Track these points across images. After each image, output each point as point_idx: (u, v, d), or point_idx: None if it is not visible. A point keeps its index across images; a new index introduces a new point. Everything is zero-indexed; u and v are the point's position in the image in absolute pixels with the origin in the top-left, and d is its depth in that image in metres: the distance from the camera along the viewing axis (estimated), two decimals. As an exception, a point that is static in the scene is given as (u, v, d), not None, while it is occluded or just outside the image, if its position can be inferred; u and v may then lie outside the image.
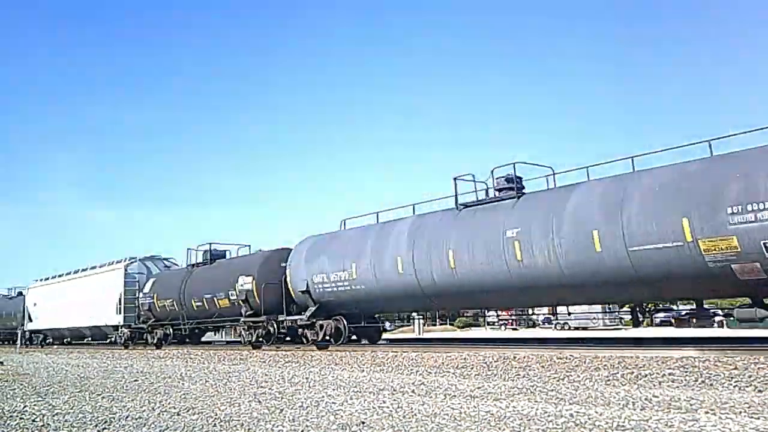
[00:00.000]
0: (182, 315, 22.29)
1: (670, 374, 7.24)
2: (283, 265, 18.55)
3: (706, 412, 4.82)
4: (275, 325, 18.28)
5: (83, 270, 30.30)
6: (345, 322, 16.56)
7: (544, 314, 30.32)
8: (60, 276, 32.82)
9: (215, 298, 20.34)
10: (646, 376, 7.24)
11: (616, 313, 33.49)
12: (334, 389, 7.29)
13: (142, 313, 24.89)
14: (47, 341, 34.66)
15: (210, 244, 22.79)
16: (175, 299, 22.59)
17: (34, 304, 34.53)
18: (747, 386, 6.19)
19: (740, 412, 4.78)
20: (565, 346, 13.31)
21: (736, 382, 6.48)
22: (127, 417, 5.66)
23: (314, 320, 17.18)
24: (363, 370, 9.71)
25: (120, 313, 25.57)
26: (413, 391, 6.81)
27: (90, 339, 31.47)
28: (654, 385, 6.57)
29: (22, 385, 9.38)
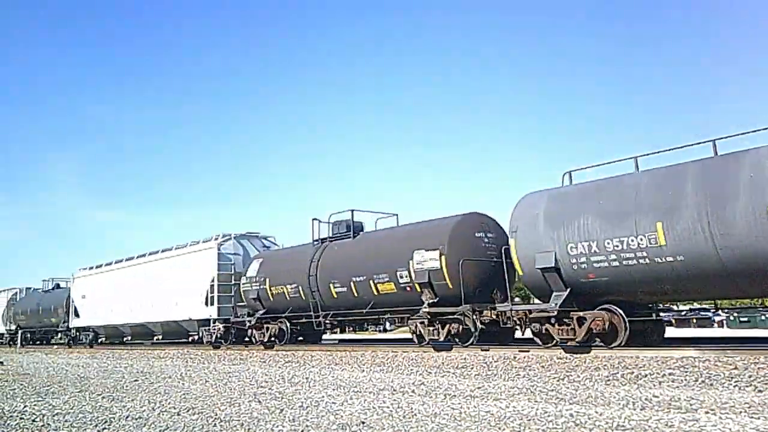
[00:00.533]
0: (313, 305, 16.86)
1: (670, 374, 7.24)
2: (479, 234, 13.93)
3: (706, 412, 4.82)
4: (475, 318, 13.17)
5: (152, 253, 25.02)
6: (624, 315, 11.31)
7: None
8: (119, 262, 27.35)
9: (372, 282, 15.06)
10: (646, 376, 7.24)
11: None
12: (334, 389, 7.29)
13: (246, 303, 19.41)
14: (98, 340, 29.46)
15: (352, 211, 17.23)
16: (300, 284, 17.16)
17: (83, 297, 29.11)
18: (747, 386, 6.19)
19: (740, 412, 4.78)
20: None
21: (736, 382, 6.49)
22: (127, 417, 5.66)
23: (565, 310, 11.73)
24: (363, 370, 9.71)
25: (212, 303, 20.12)
26: (413, 391, 6.81)
27: (160, 337, 25.94)
28: (654, 385, 6.57)
29: (22, 385, 9.38)
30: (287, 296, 17.78)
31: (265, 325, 18.57)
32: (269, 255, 20.01)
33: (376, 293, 15.15)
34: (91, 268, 29.59)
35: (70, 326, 29.92)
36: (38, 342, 35.05)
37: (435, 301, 13.78)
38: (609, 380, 7.13)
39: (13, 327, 35.86)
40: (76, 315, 29.44)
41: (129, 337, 28.16)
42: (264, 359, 13.49)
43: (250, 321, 18.93)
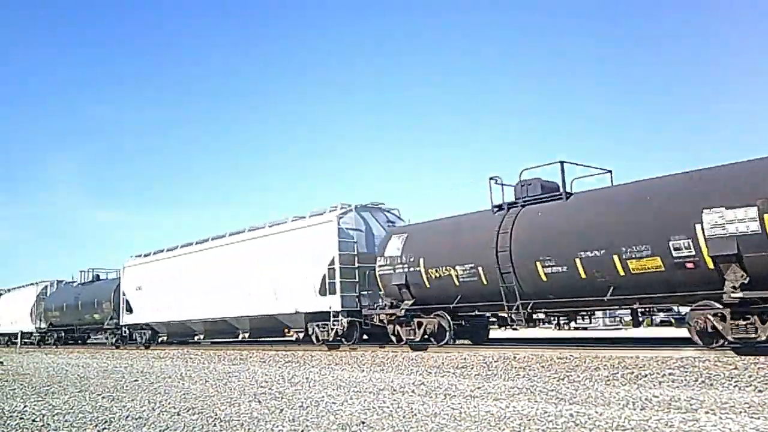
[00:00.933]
0: (505, 291, 12.59)
1: (670, 374, 7.24)
2: None
3: (706, 412, 4.82)
4: None
5: (233, 234, 20.45)
6: None
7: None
8: (187, 245, 22.76)
9: (618, 258, 10.72)
10: (646, 376, 7.24)
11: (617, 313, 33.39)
12: (334, 389, 7.29)
13: (385, 291, 15.17)
14: (158, 339, 24.73)
15: (561, 163, 12.73)
16: (481, 264, 12.96)
17: (138, 289, 24.80)
18: (747, 386, 6.19)
19: (740, 412, 4.78)
20: (565, 346, 13.29)
21: (736, 382, 6.49)
22: (127, 417, 5.66)
23: None
24: (363, 370, 9.72)
25: (333, 292, 15.92)
26: (413, 391, 6.81)
27: (247, 336, 20.37)
28: (654, 385, 6.57)
29: (22, 385, 9.38)
30: (455, 281, 13.50)
31: (415, 320, 14.42)
32: (416, 229, 15.59)
33: (622, 273, 10.84)
34: (146, 255, 25.25)
35: (121, 323, 25.73)
36: (74, 342, 30.82)
37: (746, 282, 9.37)
38: (609, 380, 7.13)
39: (44, 325, 31.73)
40: (128, 310, 25.36)
41: (201, 336, 23.06)
42: (264, 359, 13.49)
43: (392, 314, 14.74)
